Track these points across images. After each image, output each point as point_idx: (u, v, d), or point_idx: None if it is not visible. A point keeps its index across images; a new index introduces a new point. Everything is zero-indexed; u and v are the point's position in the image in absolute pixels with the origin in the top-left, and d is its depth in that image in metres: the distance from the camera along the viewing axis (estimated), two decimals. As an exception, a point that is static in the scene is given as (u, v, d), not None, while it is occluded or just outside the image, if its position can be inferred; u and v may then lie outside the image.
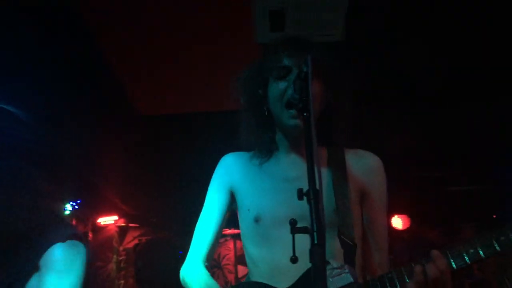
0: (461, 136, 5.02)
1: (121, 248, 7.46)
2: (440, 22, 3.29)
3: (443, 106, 4.47)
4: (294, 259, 1.19)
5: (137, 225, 7.50)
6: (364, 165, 1.76)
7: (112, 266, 7.30)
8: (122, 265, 7.38)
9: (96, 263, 7.19)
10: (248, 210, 1.72)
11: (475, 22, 3.29)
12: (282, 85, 1.67)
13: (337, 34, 3.13)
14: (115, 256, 7.36)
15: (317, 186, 1.17)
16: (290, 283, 1.55)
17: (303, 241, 1.46)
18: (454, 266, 1.37)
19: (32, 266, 2.14)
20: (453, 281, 1.37)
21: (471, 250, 1.36)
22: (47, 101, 3.86)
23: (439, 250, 1.40)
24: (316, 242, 1.12)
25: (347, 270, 1.49)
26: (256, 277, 1.69)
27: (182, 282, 1.79)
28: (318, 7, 2.94)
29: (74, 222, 6.61)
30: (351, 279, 1.47)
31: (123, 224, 7.40)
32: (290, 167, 1.74)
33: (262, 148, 1.79)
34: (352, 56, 3.56)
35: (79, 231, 2.32)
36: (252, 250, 1.72)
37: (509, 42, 3.54)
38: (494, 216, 6.22)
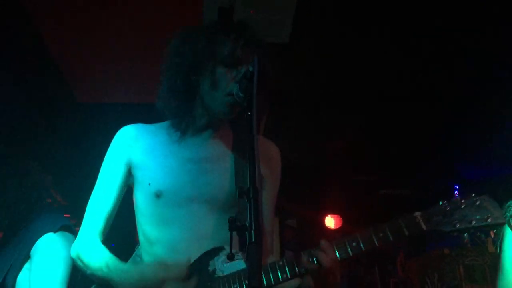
0: (393, 143, 5.23)
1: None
2: (384, 24, 3.41)
3: (378, 112, 4.63)
4: (230, 256, 1.20)
5: (69, 216, 7.21)
6: (264, 152, 1.74)
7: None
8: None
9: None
10: (149, 184, 1.65)
11: (419, 26, 3.43)
12: (230, 73, 1.62)
13: (283, 36, 3.18)
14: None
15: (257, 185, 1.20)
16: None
17: (203, 221, 1.52)
18: (338, 256, 1.47)
19: (22, 256, 2.01)
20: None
21: (354, 244, 1.49)
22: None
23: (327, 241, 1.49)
24: (253, 240, 1.13)
25: (240, 257, 1.51)
26: (150, 257, 1.65)
27: (76, 260, 1.67)
28: (266, 8, 2.97)
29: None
30: (244, 265, 1.50)
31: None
32: (197, 147, 1.72)
33: (181, 118, 1.71)
34: (295, 59, 3.62)
35: (71, 222, 2.21)
36: (148, 229, 1.66)
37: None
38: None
